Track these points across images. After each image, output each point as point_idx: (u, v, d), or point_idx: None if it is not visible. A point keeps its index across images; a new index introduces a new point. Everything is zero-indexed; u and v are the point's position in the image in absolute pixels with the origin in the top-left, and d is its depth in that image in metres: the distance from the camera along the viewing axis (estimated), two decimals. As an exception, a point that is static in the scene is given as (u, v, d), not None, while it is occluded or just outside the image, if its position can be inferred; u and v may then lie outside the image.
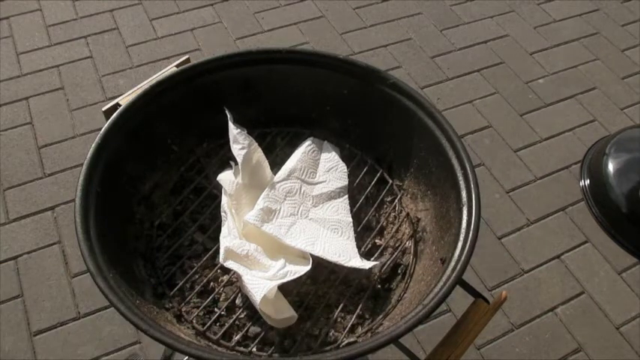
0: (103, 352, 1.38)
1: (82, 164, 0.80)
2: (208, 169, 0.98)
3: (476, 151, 1.86)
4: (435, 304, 0.70)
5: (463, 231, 0.78)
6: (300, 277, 0.82)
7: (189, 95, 0.93)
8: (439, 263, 0.81)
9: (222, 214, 0.88)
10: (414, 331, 1.40)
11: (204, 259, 0.88)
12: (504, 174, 1.82)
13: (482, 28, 2.26)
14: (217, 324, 0.83)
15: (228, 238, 0.84)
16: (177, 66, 0.95)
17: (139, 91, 0.88)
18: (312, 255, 0.84)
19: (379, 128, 0.98)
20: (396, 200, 0.97)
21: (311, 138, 1.00)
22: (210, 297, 0.84)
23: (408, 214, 0.96)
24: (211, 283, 0.87)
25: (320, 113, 1.01)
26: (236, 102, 0.96)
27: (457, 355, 0.75)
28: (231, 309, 0.84)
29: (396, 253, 0.91)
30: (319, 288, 0.87)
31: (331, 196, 0.94)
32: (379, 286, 0.89)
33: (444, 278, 0.74)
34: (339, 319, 0.84)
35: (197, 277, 0.87)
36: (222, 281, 0.86)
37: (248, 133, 0.95)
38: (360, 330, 0.83)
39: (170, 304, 0.83)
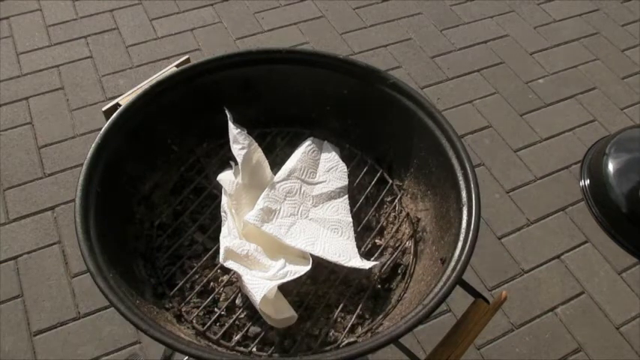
0: (103, 352, 1.38)
1: (82, 164, 0.80)
2: (208, 169, 0.98)
3: (476, 151, 1.86)
4: (435, 304, 0.70)
5: (463, 231, 0.78)
6: (300, 277, 0.82)
7: (189, 95, 0.93)
8: (439, 263, 0.81)
9: (222, 214, 0.88)
10: (414, 331, 1.40)
11: (204, 259, 0.88)
12: (504, 174, 1.82)
13: (482, 28, 2.26)
14: (217, 324, 0.83)
15: (228, 238, 0.84)
16: (177, 66, 0.95)
17: (139, 91, 0.88)
18: (312, 255, 0.84)
19: (379, 128, 0.98)
20: (396, 200, 0.97)
21: (311, 138, 1.00)
22: (210, 297, 0.84)
23: (408, 214, 0.96)
24: (211, 283, 0.87)
25: (320, 113, 1.01)
26: (236, 102, 0.96)
27: (457, 355, 0.75)
28: (231, 309, 0.84)
29: (396, 253, 0.91)
30: (319, 288, 0.87)
31: (331, 196, 0.94)
32: (379, 286, 0.89)
33: (444, 278, 0.74)
34: (339, 319, 0.84)
35: (197, 277, 0.87)
36: (222, 281, 0.86)
37: (248, 133, 0.95)
38: (360, 330, 0.83)
39: (170, 304, 0.83)
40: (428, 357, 0.75)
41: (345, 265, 0.84)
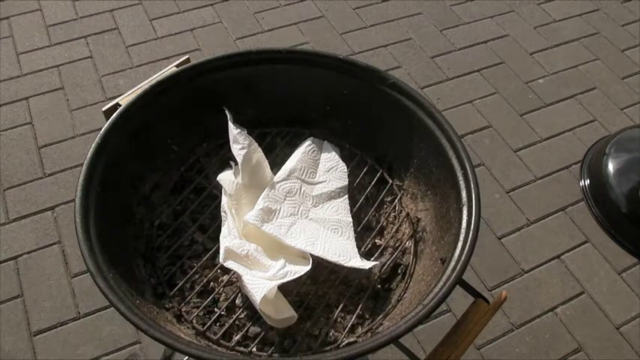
0: (103, 352, 1.38)
1: (82, 164, 0.80)
2: (208, 169, 0.98)
3: (476, 151, 1.86)
4: (435, 304, 0.70)
5: (463, 231, 0.78)
6: (300, 277, 0.82)
7: (189, 95, 0.93)
8: (439, 263, 0.81)
9: (222, 214, 0.88)
10: (414, 331, 1.40)
11: (204, 259, 0.88)
12: (504, 174, 1.82)
13: (482, 28, 2.26)
14: (217, 324, 0.83)
15: (228, 238, 0.84)
16: (177, 66, 0.95)
17: (139, 91, 0.88)
18: (312, 255, 0.84)
19: (379, 128, 0.98)
20: (396, 200, 0.97)
21: (311, 138, 1.00)
22: (210, 297, 0.84)
23: (408, 214, 0.96)
24: (211, 283, 0.87)
25: (320, 113, 1.01)
26: (236, 102, 0.96)
27: (457, 355, 0.75)
28: (231, 309, 0.84)
29: (396, 253, 0.91)
30: (319, 288, 0.87)
31: (331, 196, 0.94)
32: (379, 286, 0.89)
33: (444, 278, 0.74)
34: (339, 319, 0.84)
35: (197, 277, 0.87)
36: (222, 281, 0.86)
37: (248, 133, 0.95)
38: (360, 330, 0.83)
39: (170, 304, 0.83)
40: (428, 357, 0.75)
41: (345, 265, 0.84)
